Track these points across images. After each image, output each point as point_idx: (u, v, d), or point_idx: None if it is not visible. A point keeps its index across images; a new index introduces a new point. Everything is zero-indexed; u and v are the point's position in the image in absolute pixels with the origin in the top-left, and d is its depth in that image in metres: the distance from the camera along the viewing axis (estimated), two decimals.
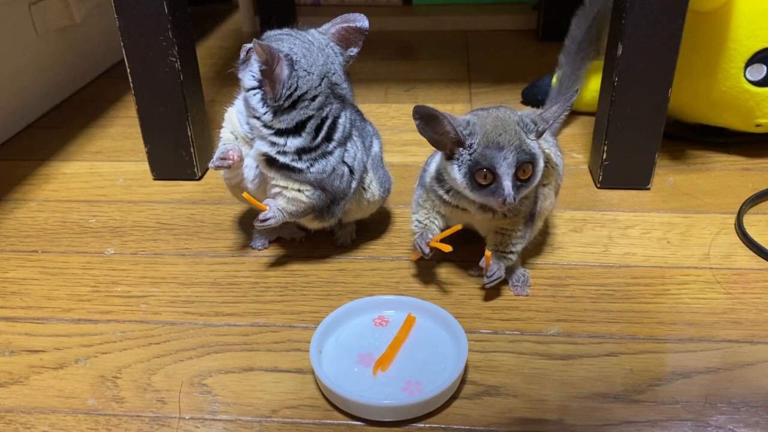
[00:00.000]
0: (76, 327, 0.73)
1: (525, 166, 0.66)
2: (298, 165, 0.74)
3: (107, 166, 1.07)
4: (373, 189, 0.81)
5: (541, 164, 0.68)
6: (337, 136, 0.75)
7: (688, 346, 0.69)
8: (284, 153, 0.74)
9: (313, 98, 0.72)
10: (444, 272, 0.80)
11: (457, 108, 1.23)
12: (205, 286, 0.79)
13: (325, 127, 0.74)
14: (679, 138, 1.07)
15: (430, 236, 0.75)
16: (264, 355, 0.69)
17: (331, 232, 0.88)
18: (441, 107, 1.21)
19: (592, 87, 1.13)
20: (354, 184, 0.78)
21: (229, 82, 0.76)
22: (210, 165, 0.76)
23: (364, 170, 0.80)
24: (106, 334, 0.72)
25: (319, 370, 0.63)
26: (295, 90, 0.71)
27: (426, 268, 0.81)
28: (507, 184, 0.65)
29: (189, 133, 0.98)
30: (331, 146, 0.75)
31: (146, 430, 0.61)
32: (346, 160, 0.77)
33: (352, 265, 0.82)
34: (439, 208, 0.76)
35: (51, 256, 0.86)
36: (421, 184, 0.78)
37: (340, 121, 0.75)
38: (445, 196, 0.73)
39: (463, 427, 0.61)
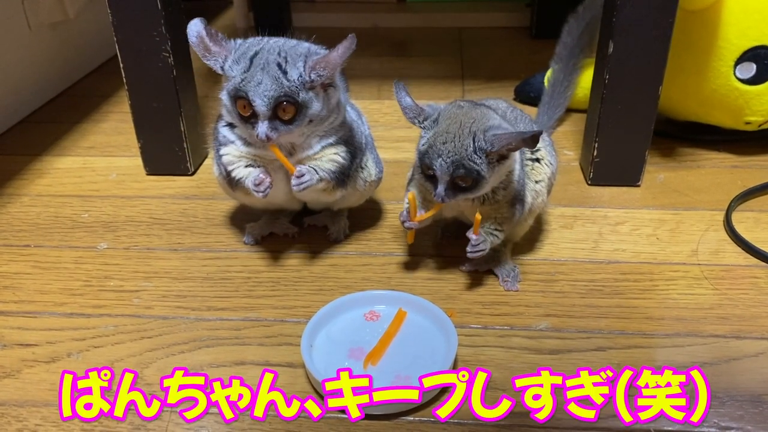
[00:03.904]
0: (68, 321, 0.74)
1: (462, 176, 0.68)
2: (337, 135, 0.77)
3: (100, 161, 1.08)
4: (370, 168, 0.83)
5: (488, 178, 0.69)
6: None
7: (676, 341, 0.70)
8: (328, 136, 0.77)
9: None
10: (435, 268, 0.81)
11: None
12: (198, 280, 0.80)
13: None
14: (670, 135, 1.08)
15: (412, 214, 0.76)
16: (255, 349, 0.69)
17: (323, 228, 0.88)
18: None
19: (585, 84, 1.14)
20: (363, 139, 0.81)
21: (222, 78, 0.76)
22: (260, 196, 0.75)
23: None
24: (99, 328, 0.73)
25: (310, 364, 0.64)
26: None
27: (417, 263, 0.82)
28: (440, 186, 0.69)
29: (182, 129, 0.98)
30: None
31: (138, 423, 0.61)
32: (352, 116, 0.81)
33: (344, 260, 0.83)
34: (425, 194, 0.76)
35: (43, 250, 0.86)
36: (413, 172, 0.79)
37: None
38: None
39: (452, 420, 0.61)
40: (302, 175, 0.74)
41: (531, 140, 0.66)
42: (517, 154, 0.73)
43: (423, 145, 0.70)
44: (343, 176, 0.78)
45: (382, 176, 0.86)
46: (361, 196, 0.85)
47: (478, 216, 0.73)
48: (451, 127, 0.68)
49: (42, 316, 0.75)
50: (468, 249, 0.74)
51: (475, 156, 0.67)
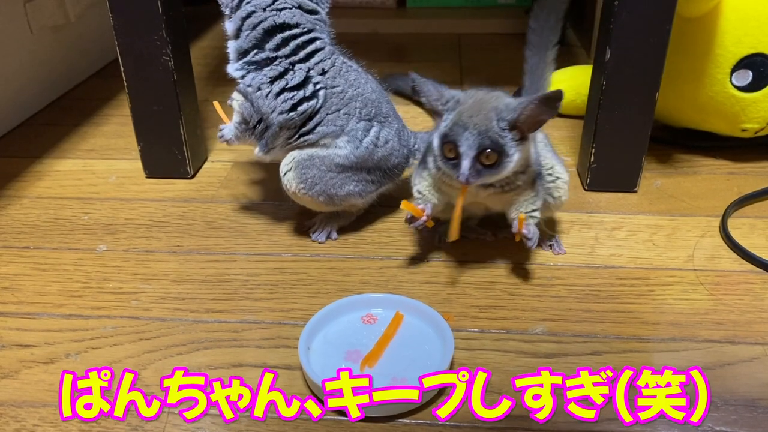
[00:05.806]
0: (67, 322, 0.74)
1: (488, 153, 0.69)
2: (236, 73, 0.77)
3: (100, 164, 1.08)
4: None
5: (511, 156, 0.70)
6: (287, 51, 0.77)
7: (671, 345, 0.70)
8: (230, 61, 0.77)
9: None
10: (432, 272, 0.81)
11: None
12: (196, 283, 0.80)
13: (277, 37, 0.76)
14: (667, 142, 1.09)
15: (429, 205, 0.78)
16: (253, 352, 0.70)
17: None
18: None
19: (582, 91, 1.14)
20: (292, 115, 0.78)
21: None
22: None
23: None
24: (97, 329, 0.73)
25: (308, 366, 0.64)
26: None
27: (414, 267, 0.82)
28: (465, 163, 0.69)
29: (182, 132, 0.99)
30: (277, 58, 0.77)
31: (135, 424, 0.62)
32: (290, 81, 0.77)
33: (342, 263, 0.83)
34: (441, 185, 0.77)
35: (43, 252, 0.86)
36: (422, 162, 0.80)
37: (312, 45, 0.78)
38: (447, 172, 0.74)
39: (448, 423, 0.61)
40: (221, 133, 0.81)
41: (551, 101, 0.68)
42: (536, 134, 0.74)
43: (446, 125, 0.71)
44: (252, 130, 0.80)
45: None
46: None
47: (522, 216, 0.75)
48: (474, 104, 0.71)
49: (41, 317, 0.75)
50: (528, 244, 0.76)
51: (499, 128, 0.69)
